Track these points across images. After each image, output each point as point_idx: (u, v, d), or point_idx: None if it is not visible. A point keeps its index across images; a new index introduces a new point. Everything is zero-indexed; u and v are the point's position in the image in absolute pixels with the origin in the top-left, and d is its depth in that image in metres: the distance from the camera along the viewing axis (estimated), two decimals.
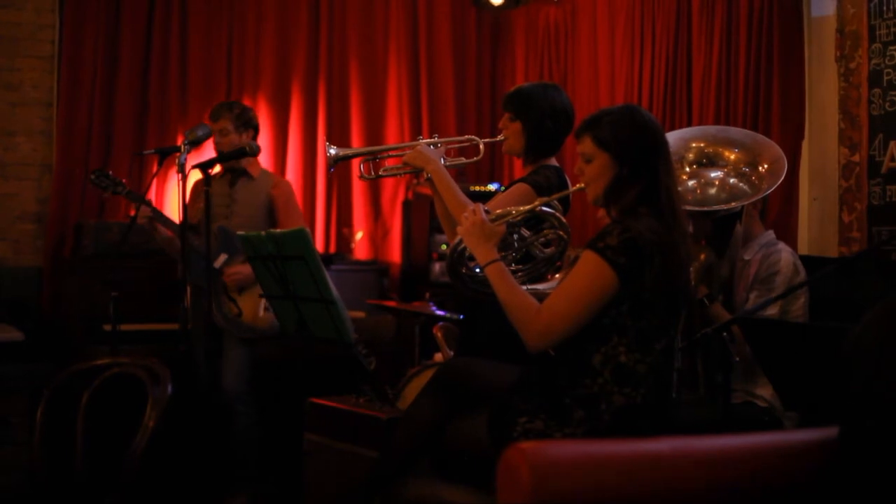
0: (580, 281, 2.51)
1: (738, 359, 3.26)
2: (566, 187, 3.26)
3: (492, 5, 6.38)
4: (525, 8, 6.38)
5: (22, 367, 4.61)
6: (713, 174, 3.46)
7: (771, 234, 3.69)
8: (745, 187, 3.44)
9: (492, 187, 6.01)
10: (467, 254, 2.84)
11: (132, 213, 4.12)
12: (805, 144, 4.60)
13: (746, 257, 3.66)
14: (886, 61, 4.24)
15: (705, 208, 3.31)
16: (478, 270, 2.85)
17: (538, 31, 6.27)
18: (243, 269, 4.16)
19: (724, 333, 2.94)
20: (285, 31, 6.00)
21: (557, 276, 3.06)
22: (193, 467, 3.78)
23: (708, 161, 3.47)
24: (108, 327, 4.15)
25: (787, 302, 3.49)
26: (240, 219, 4.30)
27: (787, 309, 3.50)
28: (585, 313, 2.50)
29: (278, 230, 3.40)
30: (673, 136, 3.73)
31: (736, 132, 3.81)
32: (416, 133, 6.30)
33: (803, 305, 3.55)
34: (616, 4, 5.67)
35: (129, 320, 4.56)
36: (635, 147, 2.59)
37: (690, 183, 3.37)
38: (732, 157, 3.51)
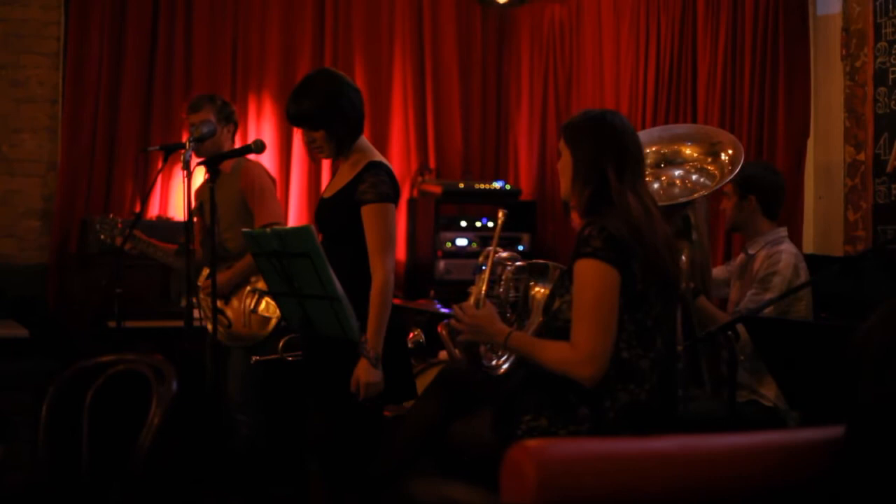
0: (589, 293, 2.49)
1: (742, 357, 3.26)
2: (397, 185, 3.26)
3: (497, 4, 6.38)
4: (530, 6, 6.38)
5: (27, 363, 4.61)
6: (676, 172, 3.43)
7: (779, 232, 3.67)
8: (706, 181, 3.41)
9: (496, 185, 6.01)
10: (478, 350, 2.88)
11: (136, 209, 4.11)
12: (810, 143, 4.60)
13: (751, 251, 3.66)
14: (892, 60, 4.23)
15: (671, 202, 3.29)
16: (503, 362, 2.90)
17: (543, 30, 6.27)
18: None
19: (729, 332, 2.94)
20: (290, 27, 5.99)
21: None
22: (197, 466, 3.78)
23: (667, 162, 3.44)
24: (113, 324, 4.15)
25: (790, 303, 3.48)
26: (224, 221, 4.02)
27: (788, 311, 3.49)
28: (612, 319, 2.48)
29: (283, 228, 3.39)
30: None
31: (681, 128, 3.80)
32: (420, 130, 6.28)
33: (806, 307, 3.54)
34: (621, 3, 5.66)
35: (135, 318, 4.55)
36: (587, 150, 2.64)
37: (655, 185, 3.35)
38: (688, 151, 3.47)
